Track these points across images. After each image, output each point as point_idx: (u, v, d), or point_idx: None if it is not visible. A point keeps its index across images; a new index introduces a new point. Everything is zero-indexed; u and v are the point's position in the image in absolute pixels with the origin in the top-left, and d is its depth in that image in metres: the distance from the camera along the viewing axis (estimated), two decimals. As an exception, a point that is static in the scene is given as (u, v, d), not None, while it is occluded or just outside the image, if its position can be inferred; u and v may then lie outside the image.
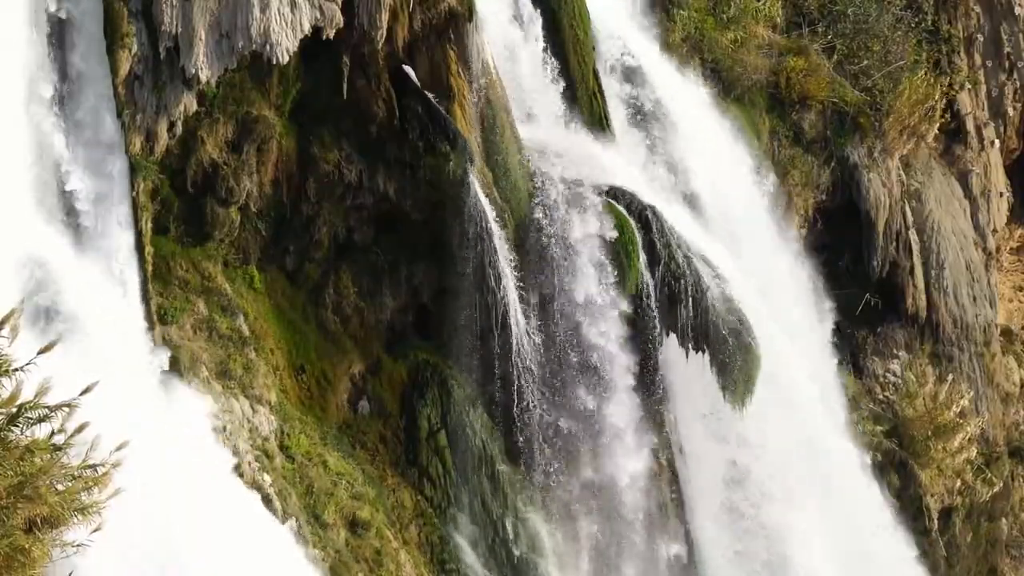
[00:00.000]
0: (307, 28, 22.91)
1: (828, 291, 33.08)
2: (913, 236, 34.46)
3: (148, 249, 22.95)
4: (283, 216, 24.99)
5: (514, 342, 25.35)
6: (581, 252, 26.06)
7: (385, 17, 23.77)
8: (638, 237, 26.34)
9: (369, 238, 25.82)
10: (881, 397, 34.15)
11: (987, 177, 37.51)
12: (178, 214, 23.89)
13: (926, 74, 34.75)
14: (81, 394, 13.64)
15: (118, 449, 13.53)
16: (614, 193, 26.67)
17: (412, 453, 26.19)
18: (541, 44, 27.28)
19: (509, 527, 26.32)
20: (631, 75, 29.54)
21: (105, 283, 22.17)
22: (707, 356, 27.02)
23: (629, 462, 27.02)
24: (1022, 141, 39.26)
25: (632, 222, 26.39)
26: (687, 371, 27.44)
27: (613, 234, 26.14)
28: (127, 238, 22.51)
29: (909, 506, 32.91)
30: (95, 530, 13.47)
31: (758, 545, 28.85)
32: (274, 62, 22.95)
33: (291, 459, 24.36)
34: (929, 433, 33.65)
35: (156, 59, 22.34)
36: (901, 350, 34.66)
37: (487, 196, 25.19)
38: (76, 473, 13.57)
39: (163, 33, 22.15)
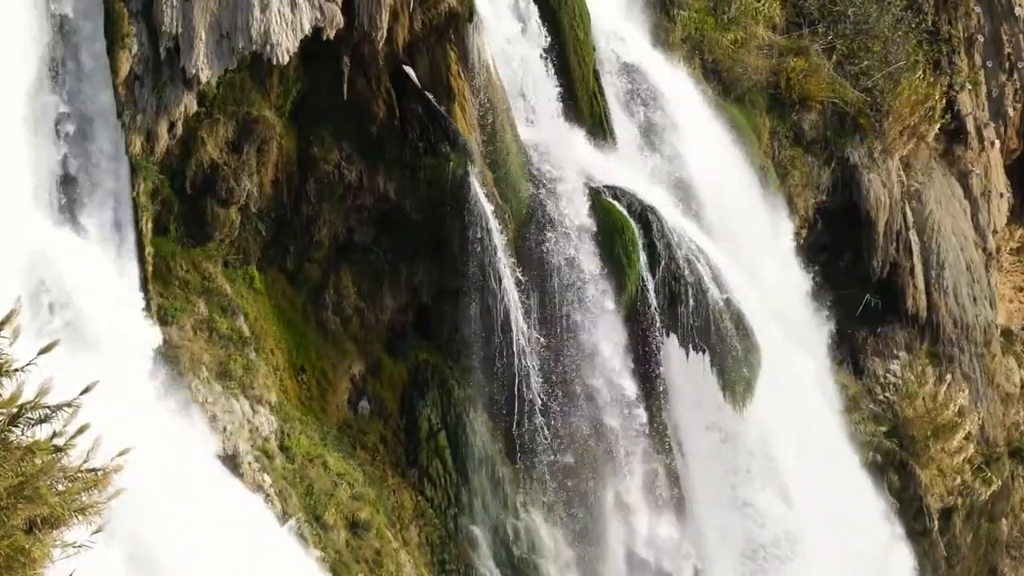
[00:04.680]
0: (307, 28, 22.90)
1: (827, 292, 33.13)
2: (913, 236, 34.46)
3: (148, 249, 22.96)
4: (283, 216, 24.99)
5: (514, 342, 25.35)
6: (581, 252, 26.06)
7: (385, 17, 23.76)
8: (639, 237, 26.34)
9: (369, 238, 25.82)
10: (881, 397, 34.16)
11: (987, 178, 37.52)
12: (178, 214, 23.89)
13: (926, 74, 34.76)
14: (81, 393, 13.63)
15: (121, 454, 13.52)
16: (614, 193, 26.67)
17: (412, 453, 26.19)
18: (541, 44, 27.26)
19: (509, 527, 26.32)
20: (631, 74, 29.56)
21: (105, 283, 22.17)
22: (707, 356, 27.02)
23: (629, 461, 27.01)
24: (1022, 142, 39.25)
25: (632, 222, 26.40)
26: (688, 371, 27.43)
27: (612, 234, 26.14)
28: (128, 238, 22.53)
29: (909, 506, 32.91)
30: (96, 531, 13.47)
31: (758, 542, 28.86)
32: (274, 62, 22.94)
33: (291, 459, 24.35)
34: (929, 433, 33.66)
35: (156, 59, 22.34)
36: (901, 350, 34.67)
37: (487, 196, 25.19)
38: (75, 475, 13.55)
39: (163, 33, 22.14)
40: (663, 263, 26.54)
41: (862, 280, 34.17)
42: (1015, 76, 38.16)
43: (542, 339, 25.92)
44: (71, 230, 21.99)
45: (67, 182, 22.12)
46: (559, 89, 27.38)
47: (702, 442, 28.36)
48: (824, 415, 29.88)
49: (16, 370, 13.47)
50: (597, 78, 28.07)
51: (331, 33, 23.32)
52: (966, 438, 34.34)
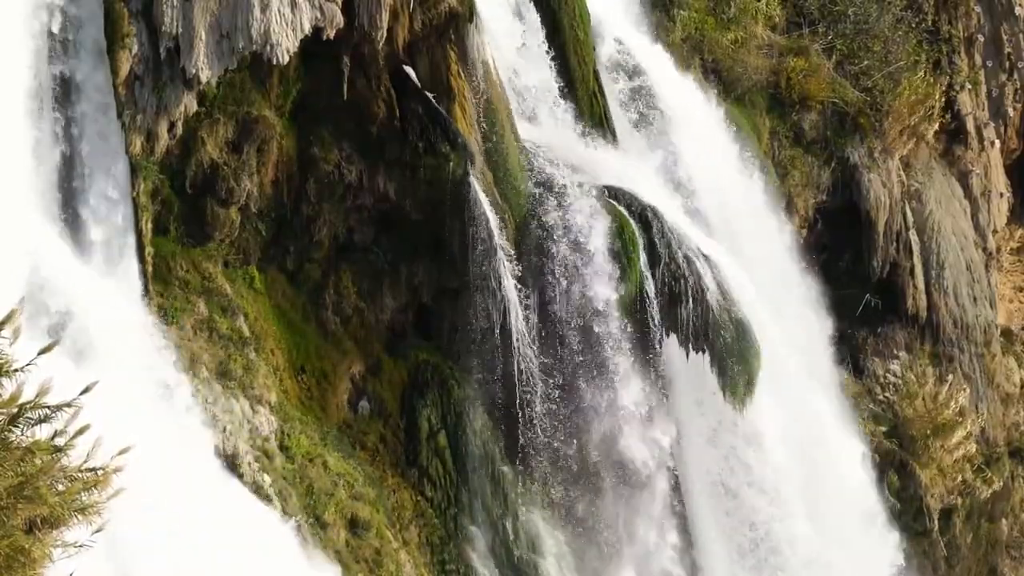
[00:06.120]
0: (307, 28, 22.90)
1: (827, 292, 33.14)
2: (913, 236, 34.47)
3: (148, 249, 22.97)
4: (283, 216, 25.00)
5: (514, 342, 25.35)
6: (581, 252, 26.05)
7: (385, 17, 23.76)
8: (639, 237, 26.34)
9: (369, 238, 25.82)
10: (881, 397, 34.16)
11: (987, 177, 37.52)
12: (178, 214, 23.89)
13: (926, 74, 34.76)
14: (81, 393, 13.63)
15: (120, 454, 13.52)
16: (614, 193, 26.66)
17: (412, 453, 26.19)
18: (541, 44, 27.27)
19: (509, 527, 26.32)
20: (630, 74, 29.59)
21: (105, 283, 22.19)
22: (707, 356, 27.02)
23: (631, 460, 27.01)
24: (1022, 141, 39.25)
25: (632, 222, 26.39)
26: (688, 371, 27.43)
27: (612, 234, 26.13)
28: (127, 239, 22.54)
29: (909, 506, 32.92)
30: (97, 530, 13.47)
31: (756, 538, 28.88)
32: (274, 62, 22.94)
33: (291, 459, 24.36)
34: (929, 432, 33.67)
35: (156, 59, 22.34)
36: (901, 350, 34.67)
37: (487, 196, 25.19)
38: (75, 475, 13.55)
39: (163, 34, 22.15)
40: (663, 263, 26.53)
41: (862, 280, 34.18)
42: (1015, 76, 38.15)
43: (541, 338, 25.91)
44: (71, 230, 22.00)
45: (67, 182, 22.14)
46: (559, 89, 27.40)
47: (702, 438, 28.39)
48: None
49: (16, 370, 13.47)
50: (597, 78, 28.08)
51: (331, 33, 23.32)
52: (966, 437, 34.35)
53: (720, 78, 31.90)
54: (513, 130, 26.17)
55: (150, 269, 23.02)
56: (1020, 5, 37.72)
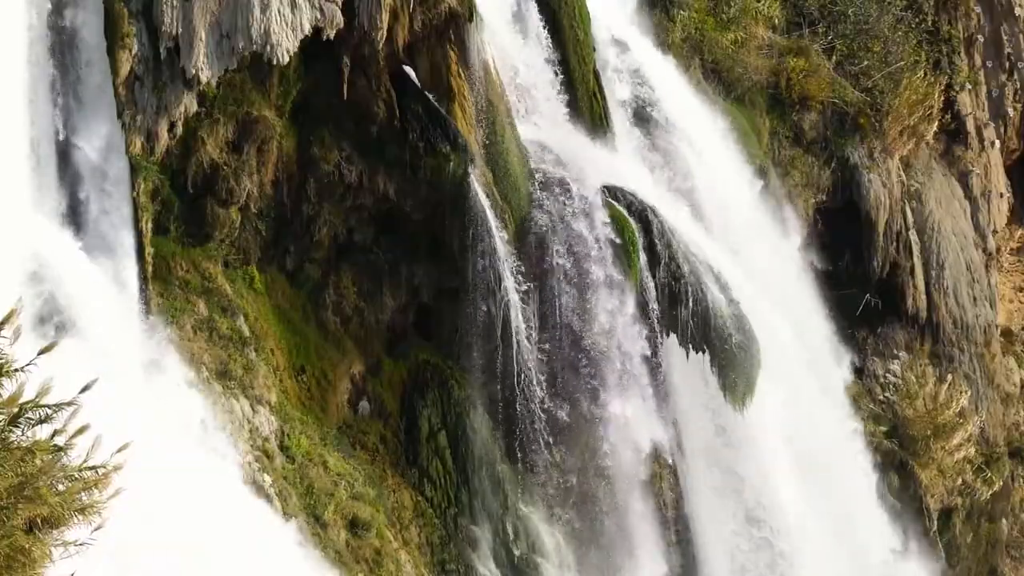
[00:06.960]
0: (307, 28, 22.92)
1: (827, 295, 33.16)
2: (913, 236, 34.48)
3: (148, 250, 22.96)
4: (283, 216, 25.00)
5: (514, 342, 25.35)
6: (581, 252, 26.05)
7: (385, 17, 23.78)
8: (638, 237, 26.34)
9: (369, 238, 25.83)
10: (881, 397, 34.17)
11: (987, 178, 37.54)
12: (178, 214, 23.89)
13: (926, 74, 34.79)
14: (81, 391, 13.64)
15: (120, 451, 13.53)
16: (614, 193, 26.67)
17: (412, 453, 26.19)
18: (541, 44, 27.29)
19: (509, 527, 26.32)
20: (630, 74, 29.60)
21: (105, 284, 22.18)
22: (707, 356, 27.02)
23: (630, 461, 27.00)
24: (1022, 142, 39.28)
25: (632, 222, 26.39)
26: (688, 371, 27.44)
27: (613, 234, 26.13)
28: (128, 239, 22.54)
29: (909, 506, 32.93)
30: (96, 528, 13.48)
31: (758, 541, 28.87)
32: (274, 62, 22.96)
33: (291, 459, 24.36)
34: (929, 433, 33.67)
35: (156, 60, 22.35)
36: (901, 350, 34.68)
37: (487, 196, 25.20)
38: (75, 475, 13.56)
39: (163, 34, 22.16)
40: (663, 263, 26.54)
41: (862, 280, 34.19)
42: (1015, 76, 38.18)
43: (542, 338, 25.91)
44: (71, 230, 21.99)
45: (66, 182, 22.14)
46: (559, 88, 27.41)
47: (701, 437, 28.40)
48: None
49: (16, 370, 13.47)
50: (597, 78, 28.09)
51: (331, 33, 23.34)
52: (967, 438, 34.36)
53: (720, 78, 31.92)
54: (513, 129, 26.18)
55: (150, 269, 23.01)
56: (1020, 5, 37.76)
